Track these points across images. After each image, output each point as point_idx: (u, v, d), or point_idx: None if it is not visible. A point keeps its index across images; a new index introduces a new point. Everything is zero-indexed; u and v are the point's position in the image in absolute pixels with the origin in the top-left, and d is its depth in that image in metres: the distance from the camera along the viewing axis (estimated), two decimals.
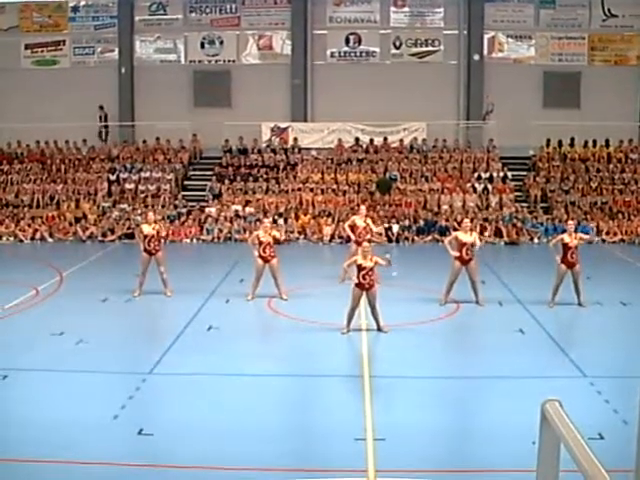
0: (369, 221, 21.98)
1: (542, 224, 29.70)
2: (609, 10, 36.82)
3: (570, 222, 20.05)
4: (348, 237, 22.09)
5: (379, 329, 16.07)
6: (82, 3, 38.15)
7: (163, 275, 19.54)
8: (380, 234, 28.20)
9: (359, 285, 15.84)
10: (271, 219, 25.49)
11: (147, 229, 19.79)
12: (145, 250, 19.59)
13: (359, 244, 19.75)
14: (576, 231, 19.38)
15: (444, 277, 18.80)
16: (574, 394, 11.60)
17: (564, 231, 19.84)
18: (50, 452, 9.96)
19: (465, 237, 18.62)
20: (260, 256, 19.05)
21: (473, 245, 18.59)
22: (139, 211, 30.52)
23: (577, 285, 18.32)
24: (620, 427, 10.17)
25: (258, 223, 25.03)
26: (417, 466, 9.65)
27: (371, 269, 15.92)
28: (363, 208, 22.68)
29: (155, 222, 20.32)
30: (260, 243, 19.09)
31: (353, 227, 21.48)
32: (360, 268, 15.88)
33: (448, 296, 18.69)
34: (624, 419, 10.47)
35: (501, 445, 10.28)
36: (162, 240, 20.12)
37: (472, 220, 27.98)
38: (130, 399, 11.97)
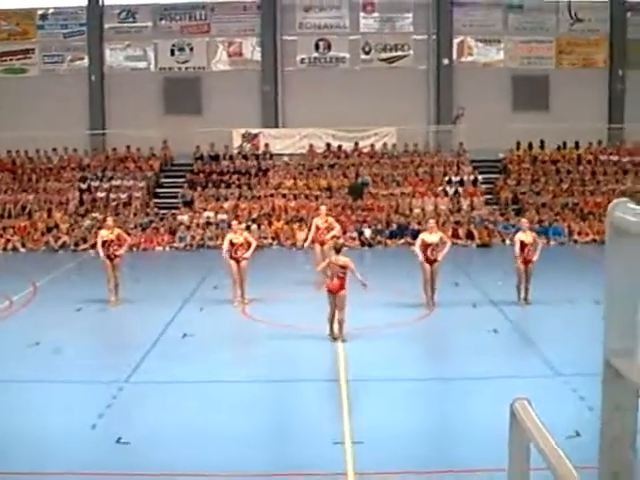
0: (330, 219, 22.14)
1: (513, 226, 29.80)
2: (576, 14, 37.20)
3: (523, 220, 20.57)
4: (312, 239, 22.02)
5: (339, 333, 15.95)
6: (51, 11, 37.98)
7: (117, 280, 19.64)
8: (345, 236, 28.17)
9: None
10: (243, 225, 25.57)
11: (105, 234, 19.92)
12: (106, 256, 19.59)
13: (322, 244, 20.09)
14: (546, 232, 19.61)
15: (417, 280, 18.90)
16: (549, 392, 11.72)
17: (518, 230, 20.20)
18: (28, 464, 9.93)
19: (430, 237, 18.75)
20: (232, 257, 19.21)
21: (438, 245, 18.70)
22: (110, 220, 30.39)
23: (527, 281, 18.73)
24: (596, 424, 10.16)
25: (229, 228, 25.09)
26: (395, 468, 9.72)
27: (342, 267, 15.83)
28: (323, 208, 22.82)
29: (114, 228, 20.40)
30: (232, 245, 19.23)
31: (316, 229, 21.58)
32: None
33: (429, 297, 18.80)
34: (599, 416, 10.55)
35: (478, 445, 10.34)
36: (121, 246, 20.12)
37: (444, 223, 28.20)
38: (107, 408, 11.95)
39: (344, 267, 15.80)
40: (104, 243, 19.74)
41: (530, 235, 19.16)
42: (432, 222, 20.02)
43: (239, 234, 19.68)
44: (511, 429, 3.34)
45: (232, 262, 19.26)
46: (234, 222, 21.22)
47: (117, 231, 20.36)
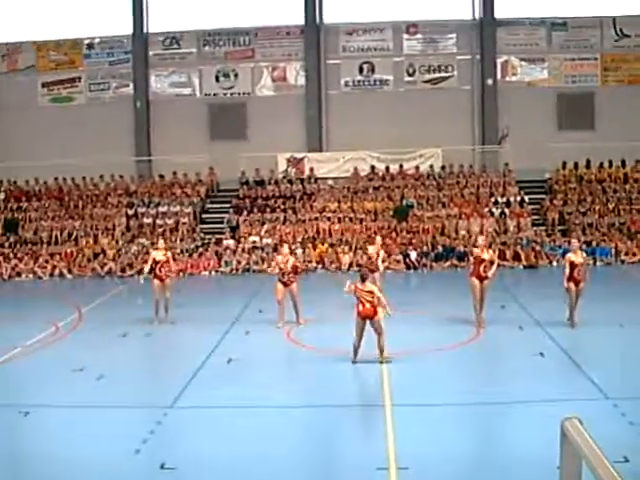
0: (381, 252, 22.08)
1: (560, 247, 29.54)
2: (621, 30, 36.90)
3: (574, 240, 20.29)
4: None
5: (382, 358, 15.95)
6: (97, 40, 38.59)
7: (167, 302, 20.23)
8: (390, 259, 28.05)
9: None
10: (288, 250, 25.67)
11: (158, 255, 20.45)
12: (156, 276, 20.16)
13: (372, 272, 20.07)
14: (593, 253, 19.46)
15: (463, 302, 18.79)
16: (597, 416, 11.44)
17: (567, 251, 20.04)
18: None
19: (482, 254, 18.72)
20: (280, 281, 19.33)
21: (492, 262, 18.70)
22: (162, 242, 30.66)
23: (576, 302, 18.50)
24: None
25: (275, 253, 25.27)
26: None
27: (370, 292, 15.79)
28: (379, 239, 22.91)
29: (165, 249, 20.99)
30: (279, 269, 19.33)
31: (368, 258, 21.73)
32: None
33: (480, 316, 18.76)
34: None
35: (525, 471, 10.19)
36: (172, 267, 20.99)
37: (490, 245, 27.91)
38: (151, 433, 11.93)
39: (371, 292, 15.72)
40: (157, 264, 20.23)
41: (580, 256, 18.92)
42: (482, 239, 19.93)
43: (285, 259, 19.75)
44: (562, 449, 3.25)
45: (279, 285, 19.37)
46: (285, 245, 21.30)
47: (169, 253, 20.98)
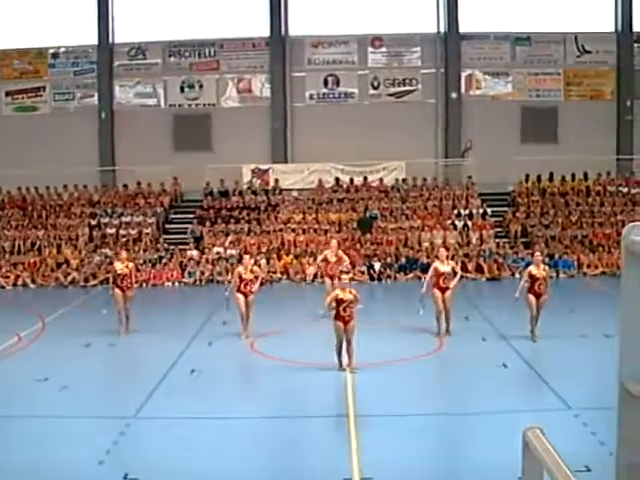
0: (340, 253, 22.14)
1: (523, 259, 29.73)
2: (583, 46, 37.35)
3: (537, 253, 20.53)
4: (322, 273, 22.55)
5: (348, 365, 16.03)
6: (62, 49, 38.34)
7: (128, 312, 20.24)
8: (354, 270, 28.08)
9: (339, 318, 15.82)
10: (252, 260, 25.64)
11: (120, 267, 20.47)
12: (118, 287, 20.16)
13: (332, 278, 20.17)
14: (556, 265, 19.61)
15: (426, 314, 18.88)
16: (560, 426, 11.53)
17: (529, 264, 20.24)
18: None
19: (442, 267, 18.97)
20: (240, 291, 19.30)
21: (454, 274, 18.93)
22: (124, 253, 30.47)
23: (537, 316, 18.57)
24: (607, 459, 10.06)
25: (239, 264, 25.25)
26: None
27: (351, 302, 15.94)
28: (334, 242, 22.89)
29: (128, 260, 21.07)
30: (241, 280, 19.27)
31: (326, 262, 21.77)
32: (341, 301, 15.88)
33: (442, 327, 18.98)
34: (611, 451, 10.40)
35: None
36: (134, 279, 20.98)
37: (453, 257, 28.04)
38: (115, 444, 11.87)
39: (353, 301, 16.00)
40: (118, 275, 20.23)
41: (543, 269, 19.05)
42: (443, 251, 20.21)
43: (249, 270, 19.74)
44: (524, 459, 3.29)
45: (240, 296, 19.33)
46: (246, 256, 21.28)
47: (131, 265, 20.93)
